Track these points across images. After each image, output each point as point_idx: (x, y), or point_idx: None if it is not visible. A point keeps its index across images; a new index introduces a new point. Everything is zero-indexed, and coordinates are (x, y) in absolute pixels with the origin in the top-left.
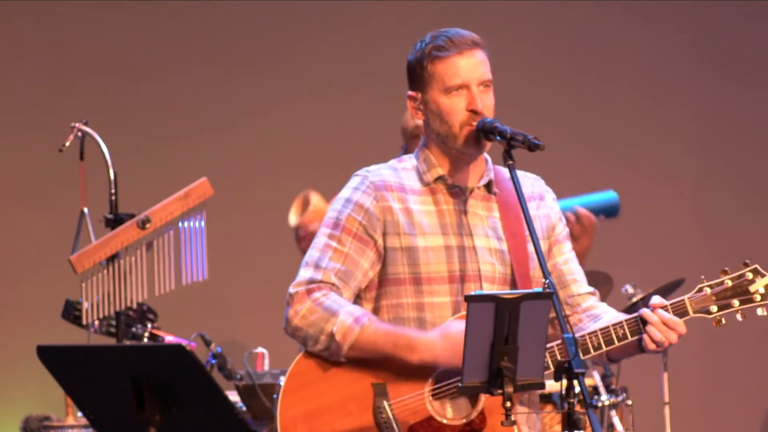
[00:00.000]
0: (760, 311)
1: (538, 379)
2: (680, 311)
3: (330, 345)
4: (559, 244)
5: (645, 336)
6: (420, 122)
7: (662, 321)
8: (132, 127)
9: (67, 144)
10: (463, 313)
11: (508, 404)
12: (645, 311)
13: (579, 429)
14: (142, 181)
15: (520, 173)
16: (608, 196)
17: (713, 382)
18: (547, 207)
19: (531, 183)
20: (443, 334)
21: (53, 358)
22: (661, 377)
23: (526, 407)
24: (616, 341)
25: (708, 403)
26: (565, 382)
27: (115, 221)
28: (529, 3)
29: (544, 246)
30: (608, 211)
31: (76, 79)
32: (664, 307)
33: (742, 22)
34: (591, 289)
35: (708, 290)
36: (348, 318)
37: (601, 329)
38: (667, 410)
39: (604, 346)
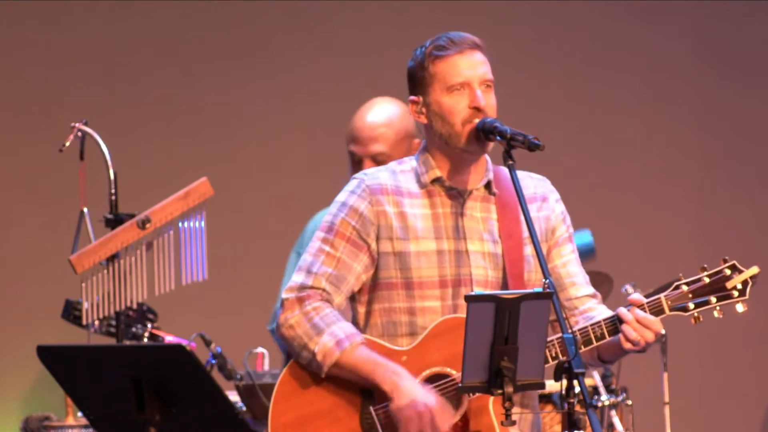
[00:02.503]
0: (740, 308)
1: (538, 379)
2: (656, 309)
3: (311, 362)
4: (559, 246)
5: (620, 335)
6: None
7: (637, 319)
8: (132, 127)
9: (67, 144)
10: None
11: (508, 404)
12: (621, 310)
13: (579, 429)
14: (142, 181)
15: (525, 174)
16: (584, 241)
17: (713, 382)
18: (548, 209)
19: (535, 184)
20: (404, 390)
21: (53, 358)
22: (661, 377)
23: (519, 408)
24: (594, 341)
25: (708, 403)
26: (565, 382)
27: (115, 221)
28: (529, 3)
29: (543, 248)
30: (583, 256)
31: (76, 79)
32: (641, 306)
33: (742, 23)
34: (591, 291)
35: (685, 287)
36: (330, 340)
37: (579, 329)
38: (667, 410)
39: (582, 346)
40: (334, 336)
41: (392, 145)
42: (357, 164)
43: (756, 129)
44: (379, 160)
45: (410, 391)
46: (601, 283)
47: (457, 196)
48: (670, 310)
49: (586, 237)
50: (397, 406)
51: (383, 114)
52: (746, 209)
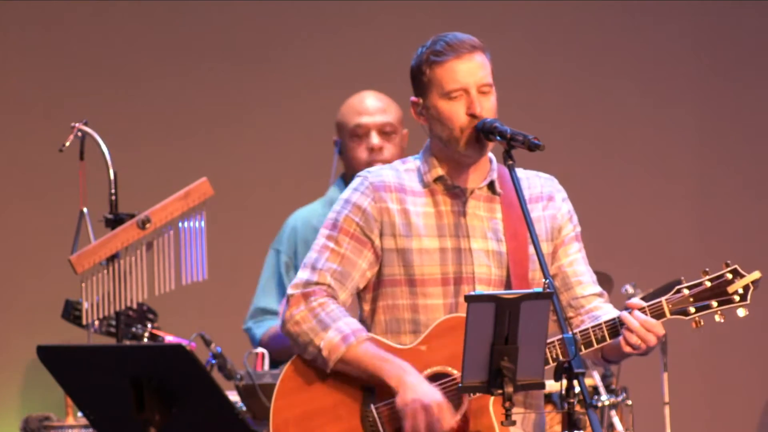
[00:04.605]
0: (740, 312)
1: (538, 379)
2: (657, 313)
3: (317, 358)
4: (565, 245)
5: (621, 338)
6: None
7: (639, 322)
8: (132, 127)
9: (67, 144)
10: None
11: (508, 404)
12: (623, 314)
13: (579, 429)
14: (142, 181)
15: (533, 173)
16: None
17: (713, 382)
18: (554, 208)
19: (542, 183)
20: (413, 385)
21: (53, 358)
22: (661, 377)
23: (522, 408)
24: (594, 343)
25: (708, 403)
26: (565, 382)
27: (115, 221)
28: (529, 3)
29: (548, 247)
30: None
31: (76, 79)
32: (641, 309)
33: (742, 23)
34: (598, 290)
35: (686, 291)
36: (336, 336)
37: (581, 331)
38: (667, 410)
39: (583, 348)
40: (339, 331)
41: (397, 120)
42: (360, 138)
43: (756, 129)
44: (387, 131)
45: (416, 386)
46: (601, 283)
47: (460, 194)
48: (671, 313)
49: None
50: (403, 401)
51: (380, 96)
52: (746, 209)
